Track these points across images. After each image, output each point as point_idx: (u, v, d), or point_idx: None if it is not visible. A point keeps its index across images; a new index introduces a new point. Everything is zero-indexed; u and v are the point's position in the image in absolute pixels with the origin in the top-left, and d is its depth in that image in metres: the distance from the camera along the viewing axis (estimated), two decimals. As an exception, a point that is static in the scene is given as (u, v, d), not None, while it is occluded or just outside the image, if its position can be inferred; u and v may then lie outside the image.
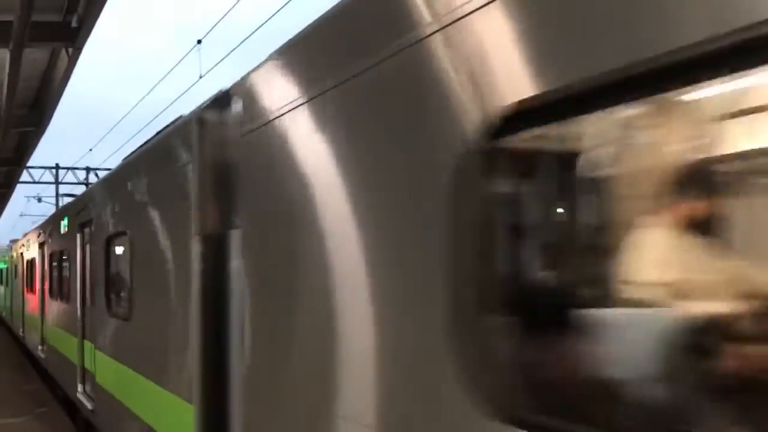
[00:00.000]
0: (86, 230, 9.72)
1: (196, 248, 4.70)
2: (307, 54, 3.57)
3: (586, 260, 2.20)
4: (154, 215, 6.23)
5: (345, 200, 3.08)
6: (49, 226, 14.57)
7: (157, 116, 19.39)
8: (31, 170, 36.72)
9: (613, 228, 2.07)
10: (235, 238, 4.28)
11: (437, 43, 2.46)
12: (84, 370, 9.89)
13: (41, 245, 15.46)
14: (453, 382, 2.31)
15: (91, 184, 35.29)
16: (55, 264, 13.35)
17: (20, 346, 22.44)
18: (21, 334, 20.50)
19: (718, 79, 1.68)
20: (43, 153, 57.15)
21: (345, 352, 3.04)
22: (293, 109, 3.48)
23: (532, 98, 2.04)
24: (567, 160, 2.20)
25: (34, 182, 38.64)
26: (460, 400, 2.28)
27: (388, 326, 2.76)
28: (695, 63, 1.66)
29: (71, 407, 11.80)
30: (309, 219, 3.35)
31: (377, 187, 2.84)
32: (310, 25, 3.47)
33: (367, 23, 2.99)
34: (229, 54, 15.10)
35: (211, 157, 4.64)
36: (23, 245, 20.85)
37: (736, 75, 1.64)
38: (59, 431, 10.88)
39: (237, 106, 4.28)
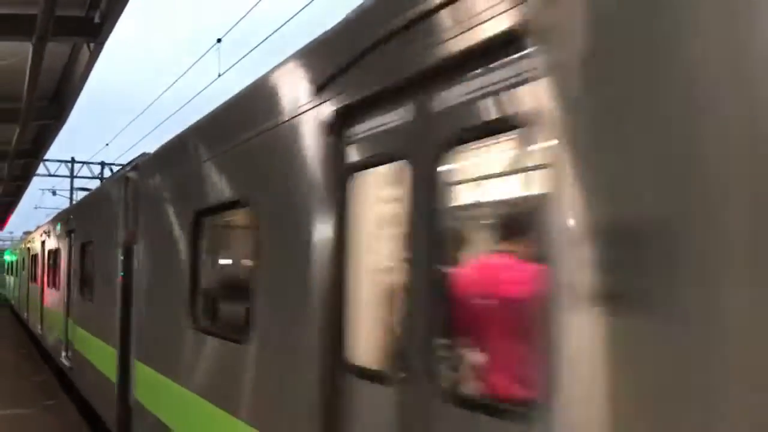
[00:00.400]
0: (72, 235, 13.77)
1: (119, 254, 8.80)
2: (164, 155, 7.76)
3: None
4: (103, 232, 10.34)
5: (174, 226, 6.73)
6: (48, 229, 18.95)
7: (174, 113, 19.48)
8: (46, 163, 36.99)
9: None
10: (137, 249, 8.10)
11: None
12: (67, 341, 13.58)
13: (42, 243, 19.69)
14: None
15: (105, 178, 35.52)
16: (50, 260, 17.41)
17: (30, 337, 22.59)
18: (25, 317, 25.16)
19: None
20: (59, 146, 57.57)
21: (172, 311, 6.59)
22: (158, 172, 7.80)
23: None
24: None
25: (50, 175, 38.93)
26: None
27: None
28: None
29: (80, 400, 11.87)
30: (160, 239, 7.29)
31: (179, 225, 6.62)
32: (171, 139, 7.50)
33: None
34: (248, 54, 15.16)
35: (129, 199, 8.57)
36: (29, 241, 26.11)
37: None
38: (69, 423, 10.90)
39: (140, 171, 8.40)
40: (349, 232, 3.47)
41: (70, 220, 14.32)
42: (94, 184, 37.08)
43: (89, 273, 11.52)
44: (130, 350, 8.15)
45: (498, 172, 3.10)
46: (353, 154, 3.49)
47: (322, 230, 3.62)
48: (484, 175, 3.20)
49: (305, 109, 3.92)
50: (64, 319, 13.78)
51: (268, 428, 4.30)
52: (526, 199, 2.68)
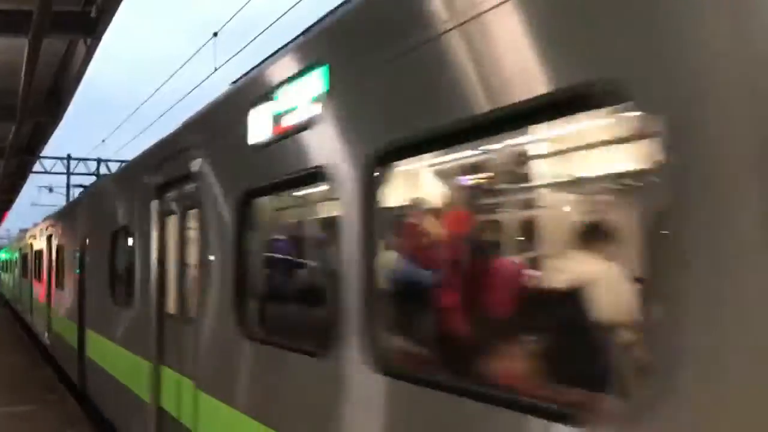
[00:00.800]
0: (52, 240, 17.49)
1: (78, 254, 12.36)
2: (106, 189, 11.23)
3: None
4: (70, 238, 14.25)
5: (101, 237, 10.19)
6: (35, 232, 23.20)
7: (171, 108, 19.45)
8: (42, 160, 36.90)
9: None
10: (87, 251, 11.68)
11: None
12: (49, 322, 17.23)
13: (31, 245, 23.77)
14: None
15: (102, 175, 35.48)
16: (35, 259, 21.70)
17: (28, 332, 22.64)
18: (19, 308, 28.91)
19: None
20: (55, 143, 57.38)
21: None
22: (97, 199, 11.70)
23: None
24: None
25: (46, 172, 38.82)
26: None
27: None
28: None
29: (78, 394, 11.93)
30: (97, 245, 10.69)
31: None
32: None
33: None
34: (244, 48, 15.13)
35: (81, 216, 13.00)
36: (20, 241, 30.70)
37: None
38: (70, 418, 10.94)
39: (85, 195, 14.35)
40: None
41: (48, 228, 18.76)
42: (91, 180, 37.07)
43: (61, 269, 15.46)
44: (84, 323, 11.88)
45: None
46: None
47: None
48: None
49: None
50: (46, 307, 17.82)
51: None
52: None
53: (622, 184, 2.82)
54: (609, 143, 2.67)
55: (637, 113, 2.07)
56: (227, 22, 15.04)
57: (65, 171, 39.92)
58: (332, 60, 3.67)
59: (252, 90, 4.78)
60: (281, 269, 5.06)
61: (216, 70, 16.35)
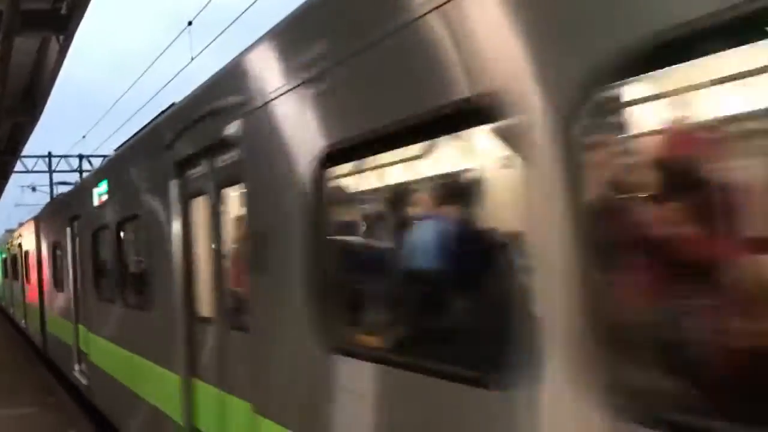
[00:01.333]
0: (22, 246, 20.51)
1: (51, 252, 14.37)
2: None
3: None
4: (42, 243, 15.95)
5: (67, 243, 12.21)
6: (10, 239, 26.39)
7: (150, 100, 19.27)
8: (24, 159, 36.54)
9: None
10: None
11: None
12: (25, 312, 20.47)
13: (9, 249, 26.29)
14: None
15: (85, 171, 35.19)
16: (14, 261, 24.04)
17: (21, 333, 22.61)
18: (3, 304, 32.02)
19: None
20: (36, 141, 56.84)
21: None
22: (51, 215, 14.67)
23: None
24: None
25: (28, 171, 38.47)
26: None
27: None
28: None
29: (78, 394, 11.90)
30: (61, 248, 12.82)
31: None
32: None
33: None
34: (219, 35, 14.98)
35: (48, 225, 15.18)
36: (8, 246, 31.62)
37: None
38: (72, 420, 10.93)
39: (43, 211, 17.19)
40: None
41: (16, 239, 21.74)
42: (74, 177, 36.75)
43: (34, 267, 17.44)
44: (44, 307, 15.40)
45: None
46: None
47: None
48: None
49: None
50: (21, 292, 21.12)
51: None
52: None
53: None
54: None
55: None
56: (201, 10, 14.87)
57: (47, 169, 39.59)
58: None
59: None
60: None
61: (192, 59, 16.21)
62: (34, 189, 46.72)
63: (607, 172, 2.09)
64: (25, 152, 28.26)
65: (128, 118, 25.31)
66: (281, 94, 3.81)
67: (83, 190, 10.46)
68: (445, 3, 2.54)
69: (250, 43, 4.38)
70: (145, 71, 19.55)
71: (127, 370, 7.86)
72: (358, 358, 3.18)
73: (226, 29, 14.22)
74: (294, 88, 3.67)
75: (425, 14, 2.63)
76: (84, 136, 38.77)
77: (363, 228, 3.66)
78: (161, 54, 17.59)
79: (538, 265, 2.19)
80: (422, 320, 3.07)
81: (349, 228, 3.66)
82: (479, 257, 2.76)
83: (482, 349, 2.54)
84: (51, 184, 39.67)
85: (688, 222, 1.94)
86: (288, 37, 3.95)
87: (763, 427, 1.64)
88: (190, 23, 17.03)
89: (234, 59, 4.63)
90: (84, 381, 11.16)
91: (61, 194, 17.26)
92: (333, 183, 3.47)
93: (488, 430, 2.40)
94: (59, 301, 13.51)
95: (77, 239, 11.07)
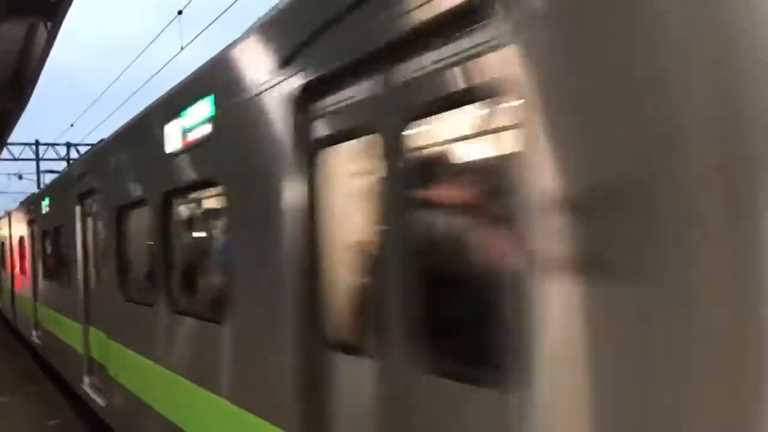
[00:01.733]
0: (5, 236, 20.52)
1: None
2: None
3: None
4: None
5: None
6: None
7: (140, 88, 19.13)
8: (10, 147, 36.25)
9: None
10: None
11: None
12: (12, 299, 19.93)
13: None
14: None
15: (72, 160, 34.94)
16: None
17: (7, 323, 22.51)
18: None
19: None
20: (23, 129, 56.43)
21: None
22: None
23: None
24: None
25: (15, 159, 38.18)
26: None
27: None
28: None
29: (63, 384, 11.84)
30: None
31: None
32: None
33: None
34: (209, 25, 14.87)
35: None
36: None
37: None
38: (54, 410, 10.86)
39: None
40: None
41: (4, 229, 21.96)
42: (61, 165, 36.50)
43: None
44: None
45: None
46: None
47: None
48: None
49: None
50: (11, 293, 20.94)
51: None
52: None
53: None
54: None
55: None
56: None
57: (34, 157, 39.30)
58: None
59: None
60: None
61: (182, 49, 16.09)
62: (20, 177, 46.42)
63: None
64: (11, 139, 28.07)
65: (117, 107, 25.13)
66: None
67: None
68: None
69: (238, 35, 4.34)
70: (134, 60, 19.38)
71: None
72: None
73: (216, 20, 14.12)
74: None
75: None
76: (72, 125, 38.41)
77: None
78: (151, 43, 17.46)
79: None
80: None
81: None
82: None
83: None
84: (38, 172, 39.39)
85: None
86: None
87: None
88: (180, 12, 16.90)
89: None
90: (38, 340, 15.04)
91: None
92: None
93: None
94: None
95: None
